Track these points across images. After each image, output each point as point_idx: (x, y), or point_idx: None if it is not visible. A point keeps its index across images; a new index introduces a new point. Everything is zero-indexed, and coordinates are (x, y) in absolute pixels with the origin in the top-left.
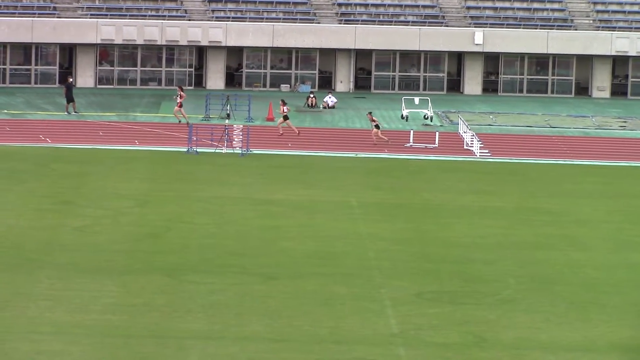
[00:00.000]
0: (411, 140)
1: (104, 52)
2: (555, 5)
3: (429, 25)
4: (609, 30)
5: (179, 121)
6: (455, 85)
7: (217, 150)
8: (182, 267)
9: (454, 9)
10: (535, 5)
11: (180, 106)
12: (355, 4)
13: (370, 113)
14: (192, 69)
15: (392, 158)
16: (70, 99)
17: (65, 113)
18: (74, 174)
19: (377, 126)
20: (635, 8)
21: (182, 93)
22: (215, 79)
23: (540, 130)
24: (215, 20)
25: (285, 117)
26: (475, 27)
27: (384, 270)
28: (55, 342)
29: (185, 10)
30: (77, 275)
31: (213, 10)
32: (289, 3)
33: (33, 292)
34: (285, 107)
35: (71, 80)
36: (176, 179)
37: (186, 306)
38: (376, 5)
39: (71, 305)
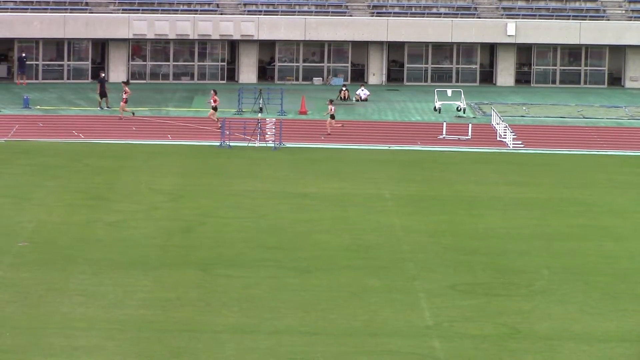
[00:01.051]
0: (444, 133)
1: (136, 47)
2: None
3: (461, 17)
4: None
5: (120, 117)
6: (487, 76)
7: (249, 144)
8: (215, 261)
9: (486, 1)
10: None
11: (125, 102)
12: None
13: (331, 101)
14: (225, 63)
15: (425, 150)
16: (103, 94)
17: (99, 108)
18: (107, 169)
19: (332, 116)
20: None
21: (126, 89)
22: (248, 73)
23: (573, 121)
24: (247, 14)
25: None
26: (507, 18)
27: (418, 262)
28: (90, 338)
29: (217, 5)
30: (111, 271)
31: (245, 4)
32: None
33: (67, 287)
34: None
35: (103, 75)
36: (209, 173)
37: (220, 300)
38: None
39: (105, 301)
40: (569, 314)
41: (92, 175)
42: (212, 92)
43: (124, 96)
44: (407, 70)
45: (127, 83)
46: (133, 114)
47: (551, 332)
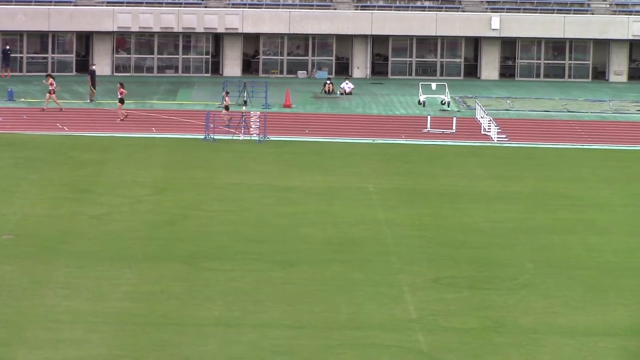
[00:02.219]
0: (428, 126)
1: (121, 40)
2: None
3: (445, 11)
4: (625, 14)
5: (44, 108)
6: (472, 70)
7: (234, 137)
8: (200, 254)
9: None
10: None
11: (52, 93)
12: None
13: (227, 93)
14: (209, 56)
15: (409, 144)
16: (94, 86)
17: (89, 101)
18: (91, 162)
19: (226, 107)
20: None
21: (52, 81)
22: (232, 66)
23: (558, 115)
24: (231, 7)
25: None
26: (491, 12)
27: (402, 256)
28: (75, 331)
29: None
30: (95, 264)
31: None
32: None
33: (51, 280)
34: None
35: (94, 67)
36: (193, 167)
37: (204, 293)
38: None
39: (89, 294)
40: (552, 307)
41: (76, 168)
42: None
43: (51, 88)
44: (391, 64)
45: (51, 76)
46: (44, 109)
47: (535, 325)
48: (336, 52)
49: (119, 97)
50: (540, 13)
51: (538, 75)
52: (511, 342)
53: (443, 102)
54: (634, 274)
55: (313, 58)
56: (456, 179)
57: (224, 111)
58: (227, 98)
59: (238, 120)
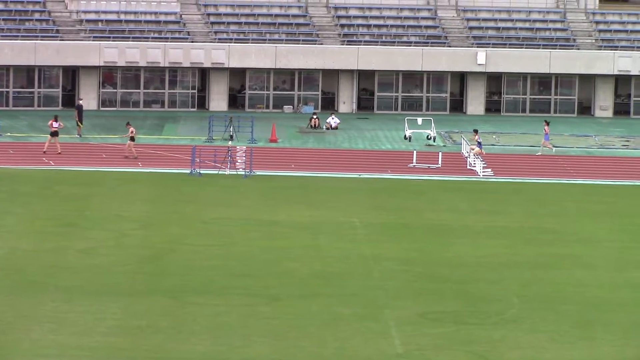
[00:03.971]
0: (414, 161)
1: (108, 74)
2: (558, 25)
3: (431, 46)
4: (611, 50)
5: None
6: (458, 105)
7: (220, 172)
8: (185, 288)
9: (457, 29)
10: (538, 25)
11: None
12: (358, 25)
13: (128, 123)
14: (195, 91)
15: (395, 178)
16: (81, 121)
17: (78, 136)
18: (78, 197)
19: (132, 139)
20: (638, 27)
21: (132, 129)
22: (218, 101)
23: (544, 150)
24: (217, 42)
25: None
26: (477, 47)
27: (388, 290)
28: None
29: (188, 32)
30: (81, 298)
31: (216, 32)
32: (291, 24)
33: (37, 314)
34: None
35: (81, 102)
36: (179, 201)
37: (190, 328)
38: (378, 26)
39: (75, 328)
40: (539, 342)
41: (62, 202)
42: (126, 124)
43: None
44: (377, 99)
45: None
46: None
47: None
48: (322, 86)
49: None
50: (526, 48)
51: (524, 110)
52: None
53: (429, 137)
54: (620, 309)
55: (299, 93)
56: (442, 214)
57: (128, 142)
58: (131, 128)
59: (224, 155)
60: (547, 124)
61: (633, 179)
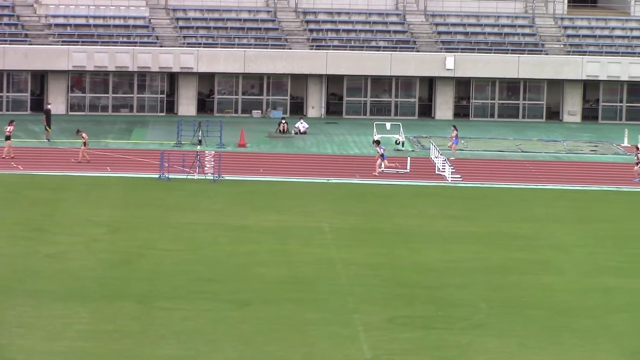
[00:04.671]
0: (383, 166)
1: (78, 79)
2: (526, 30)
3: (400, 51)
4: (579, 55)
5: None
6: (426, 110)
7: (188, 177)
8: (154, 293)
9: (425, 34)
10: (506, 30)
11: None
12: (327, 30)
13: (78, 131)
14: (164, 95)
15: (363, 183)
16: (49, 125)
17: (46, 140)
18: (46, 201)
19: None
20: (606, 32)
21: (83, 135)
22: (187, 105)
23: (512, 155)
24: (186, 47)
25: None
26: (446, 52)
27: (357, 295)
28: None
29: (157, 37)
30: (50, 302)
31: (184, 37)
32: (260, 29)
33: (5, 319)
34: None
35: (49, 106)
36: (148, 206)
37: (159, 332)
38: (347, 31)
39: (44, 333)
40: (507, 347)
41: (31, 207)
42: (453, 127)
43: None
44: (346, 103)
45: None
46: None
47: None
48: (291, 91)
49: (84, 141)
50: (494, 53)
51: (492, 115)
52: None
53: (397, 141)
54: (588, 314)
55: (268, 97)
56: (410, 219)
57: (82, 147)
58: (82, 134)
59: (193, 160)
60: (455, 128)
61: (601, 184)
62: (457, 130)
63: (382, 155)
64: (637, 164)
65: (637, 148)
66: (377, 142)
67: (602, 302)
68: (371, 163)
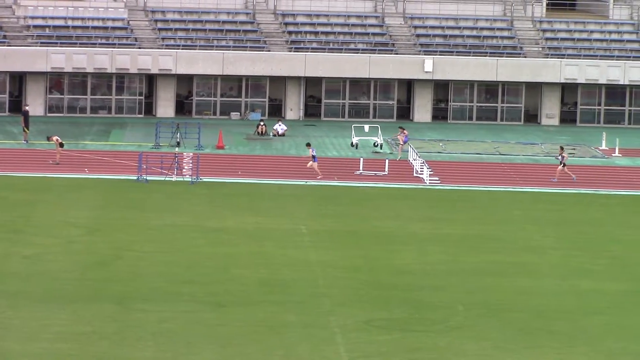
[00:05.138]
0: (361, 168)
1: (57, 80)
2: (505, 33)
3: (378, 53)
4: (557, 58)
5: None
6: (405, 112)
7: (167, 178)
8: (132, 295)
9: (404, 37)
10: (485, 33)
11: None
12: (305, 32)
13: (49, 137)
14: (142, 97)
15: (341, 186)
16: (27, 127)
17: (24, 142)
18: (24, 203)
19: (61, 144)
20: (584, 35)
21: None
22: (165, 107)
23: (490, 158)
24: (165, 48)
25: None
26: (424, 54)
27: (334, 297)
28: None
29: (135, 39)
30: (27, 304)
31: (163, 38)
32: (239, 31)
33: None
34: None
35: (27, 107)
36: (126, 207)
37: (136, 334)
38: (326, 33)
39: (21, 334)
40: (484, 350)
41: (8, 209)
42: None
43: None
44: (324, 106)
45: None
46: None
47: None
48: (269, 93)
49: (59, 142)
50: (473, 56)
51: (470, 118)
52: None
53: (376, 144)
54: (564, 316)
55: (246, 99)
56: (388, 221)
57: (57, 148)
58: (54, 138)
59: (171, 162)
60: (403, 129)
61: (579, 187)
62: (404, 130)
63: (313, 157)
64: (561, 164)
65: (562, 149)
66: (309, 145)
67: (578, 305)
68: (349, 165)
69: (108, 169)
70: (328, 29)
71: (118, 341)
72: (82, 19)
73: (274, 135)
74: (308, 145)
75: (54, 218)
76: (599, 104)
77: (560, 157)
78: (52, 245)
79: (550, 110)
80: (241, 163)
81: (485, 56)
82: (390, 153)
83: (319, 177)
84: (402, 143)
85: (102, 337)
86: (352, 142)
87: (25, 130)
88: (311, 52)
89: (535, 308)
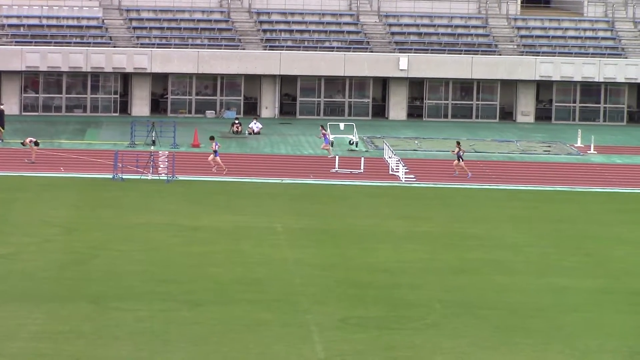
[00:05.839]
0: (336, 166)
1: (33, 80)
2: (480, 31)
3: (353, 51)
4: (533, 56)
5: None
6: (380, 110)
7: (142, 177)
8: (108, 294)
9: (379, 35)
10: (460, 30)
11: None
12: (280, 30)
13: (23, 142)
14: (117, 96)
15: (317, 184)
16: (2, 125)
17: (0, 140)
18: (0, 202)
19: (36, 143)
20: (559, 33)
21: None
22: (141, 106)
23: (465, 155)
24: (140, 47)
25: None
26: (399, 52)
27: (310, 296)
28: None
29: (110, 37)
30: (3, 303)
31: (138, 37)
32: (213, 29)
33: None
34: None
35: (2, 106)
36: (102, 206)
37: (112, 333)
38: (301, 31)
39: None
40: (460, 348)
41: None
42: (321, 127)
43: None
44: (299, 104)
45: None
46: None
47: None
48: (244, 92)
49: (214, 149)
50: (448, 54)
51: (446, 116)
52: None
53: (351, 142)
54: (540, 314)
55: (221, 98)
56: (364, 219)
57: (33, 147)
58: (27, 140)
59: (147, 160)
60: (323, 127)
61: (554, 185)
62: (325, 130)
63: (215, 152)
64: (459, 158)
65: (458, 143)
66: (212, 138)
67: (555, 302)
68: (325, 163)
69: (84, 168)
70: (303, 27)
71: (94, 340)
72: (57, 17)
73: (250, 134)
74: (211, 138)
75: (30, 217)
76: (574, 102)
77: (457, 151)
78: (28, 244)
79: (526, 107)
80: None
81: (460, 54)
82: (365, 151)
83: (224, 171)
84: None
85: (78, 336)
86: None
87: (0, 129)
88: (286, 50)
89: (511, 306)
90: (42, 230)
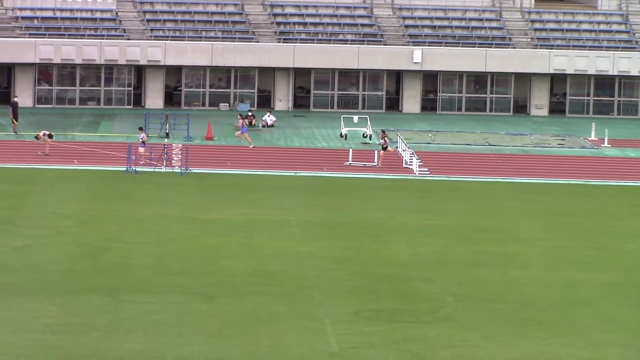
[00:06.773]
0: (350, 159)
1: (45, 72)
2: (494, 24)
3: (367, 44)
4: (547, 49)
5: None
6: (394, 103)
7: (156, 170)
8: (121, 286)
9: (393, 28)
10: (474, 23)
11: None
12: (294, 23)
13: (37, 137)
14: (131, 88)
15: (331, 177)
16: (16, 118)
17: (13, 133)
18: (13, 194)
19: (50, 135)
20: (573, 26)
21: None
22: (154, 98)
23: (479, 149)
24: (153, 40)
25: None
26: (413, 45)
27: (323, 288)
28: None
29: (124, 30)
30: (17, 296)
31: (152, 30)
32: (227, 22)
33: None
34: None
35: (16, 99)
36: (115, 199)
37: (126, 326)
38: (315, 24)
39: (11, 326)
40: (473, 341)
41: None
42: (381, 132)
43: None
44: (313, 97)
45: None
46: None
47: (455, 359)
48: (258, 84)
49: (383, 144)
50: (462, 47)
51: (459, 109)
52: None
53: (365, 135)
54: (553, 307)
55: (235, 90)
56: (378, 212)
57: (46, 140)
58: (41, 133)
59: (160, 153)
60: (242, 117)
61: (568, 178)
62: (242, 119)
63: (142, 142)
64: (384, 148)
65: (383, 132)
66: (141, 129)
67: (568, 296)
68: (338, 156)
69: (97, 160)
70: (317, 20)
71: (108, 333)
72: (71, 10)
73: (263, 126)
74: (140, 129)
75: (44, 209)
76: (588, 95)
77: (382, 142)
78: (41, 237)
79: (540, 100)
80: (230, 154)
81: (474, 47)
82: (379, 144)
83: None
84: (239, 132)
85: (92, 329)
86: (341, 133)
87: (14, 121)
88: (300, 43)
89: (523, 299)
90: (56, 222)
